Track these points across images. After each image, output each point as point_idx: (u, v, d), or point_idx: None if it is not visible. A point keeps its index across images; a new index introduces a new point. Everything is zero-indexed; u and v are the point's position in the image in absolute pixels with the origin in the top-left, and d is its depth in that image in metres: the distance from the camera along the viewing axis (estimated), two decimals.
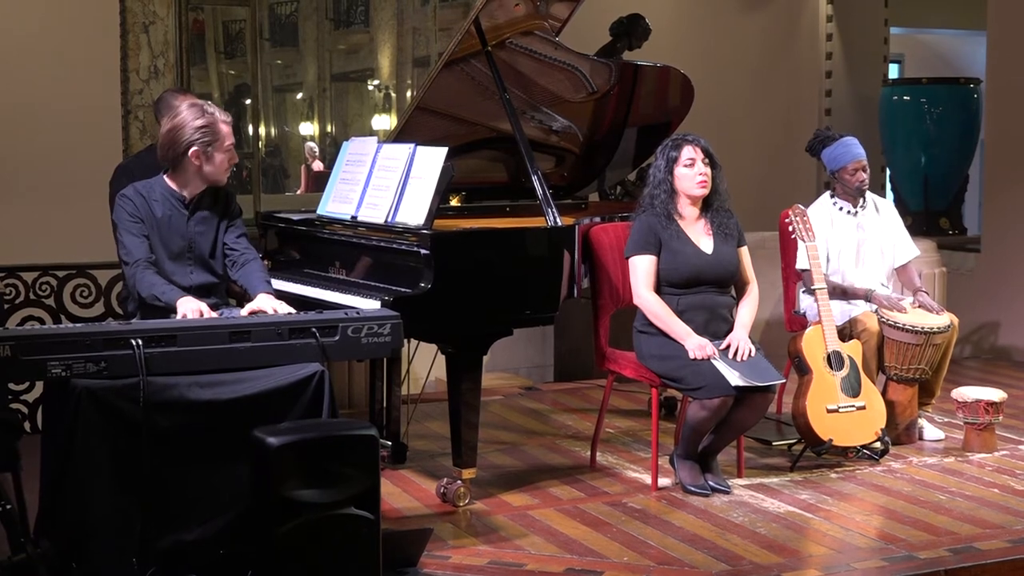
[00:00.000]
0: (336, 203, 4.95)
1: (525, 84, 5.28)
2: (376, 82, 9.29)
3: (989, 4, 7.80)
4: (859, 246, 5.42)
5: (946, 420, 5.69)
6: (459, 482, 4.56)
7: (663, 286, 4.69)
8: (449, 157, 4.57)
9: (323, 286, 4.71)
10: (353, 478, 3.44)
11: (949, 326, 5.26)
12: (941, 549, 4.09)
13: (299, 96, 9.41)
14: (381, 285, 4.54)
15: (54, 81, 6.65)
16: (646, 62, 5.60)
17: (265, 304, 4.02)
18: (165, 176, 4.22)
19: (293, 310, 4.01)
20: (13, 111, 6.56)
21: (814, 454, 5.02)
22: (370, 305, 4.27)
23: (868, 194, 5.50)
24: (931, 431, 5.51)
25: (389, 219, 4.64)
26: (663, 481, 4.81)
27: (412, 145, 4.72)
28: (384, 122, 9.03)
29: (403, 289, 4.41)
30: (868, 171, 5.43)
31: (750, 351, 4.58)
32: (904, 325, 5.19)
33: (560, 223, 4.71)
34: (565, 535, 4.25)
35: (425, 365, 5.32)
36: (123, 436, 3.47)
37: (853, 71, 9.18)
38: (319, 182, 8.21)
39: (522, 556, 4.05)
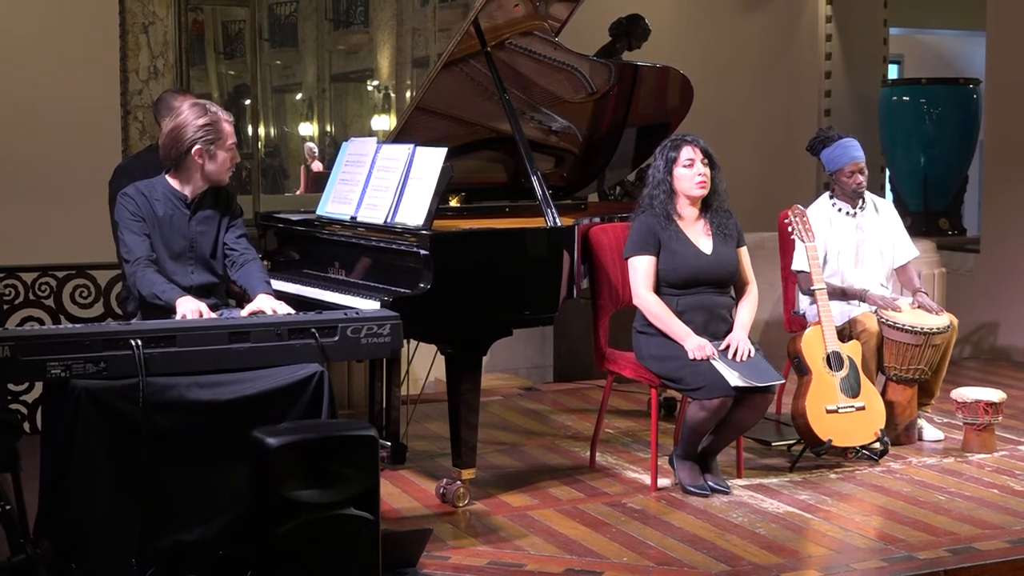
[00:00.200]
0: (335, 203, 4.95)
1: (524, 84, 5.28)
2: (375, 82, 9.29)
3: (988, 5, 7.80)
4: (858, 247, 5.42)
5: (945, 421, 5.69)
6: (458, 483, 4.56)
7: (662, 286, 4.69)
8: (448, 157, 4.57)
9: (322, 286, 4.71)
10: (352, 479, 3.44)
11: (948, 327, 5.26)
12: (940, 550, 4.09)
13: (298, 96, 9.41)
14: (380, 286, 4.54)
15: (54, 81, 6.65)
16: (645, 62, 5.60)
17: (264, 305, 4.02)
18: (167, 176, 4.22)
19: (292, 311, 4.01)
20: (13, 111, 6.56)
21: (813, 455, 5.02)
22: (369, 306, 4.27)
23: (867, 194, 5.50)
24: (930, 432, 5.51)
25: (388, 220, 4.64)
26: (663, 481, 4.81)
27: (411, 146, 4.72)
28: (383, 122, 9.03)
29: (402, 290, 4.41)
30: (866, 173, 5.43)
31: (749, 351, 4.59)
32: (903, 326, 5.19)
33: (559, 223, 4.71)
34: (565, 535, 4.25)
35: (424, 366, 5.32)
36: (123, 436, 3.47)
37: (852, 71, 9.19)
38: (318, 183, 8.21)
39: (522, 557, 4.05)
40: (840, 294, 5.30)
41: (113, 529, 3.49)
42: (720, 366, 4.49)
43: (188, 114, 4.13)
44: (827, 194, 5.54)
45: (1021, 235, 7.54)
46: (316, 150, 9.23)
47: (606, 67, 5.49)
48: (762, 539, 4.20)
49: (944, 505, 4.58)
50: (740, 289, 4.81)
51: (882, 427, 5.05)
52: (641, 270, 4.69)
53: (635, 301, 4.72)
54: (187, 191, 4.20)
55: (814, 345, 4.99)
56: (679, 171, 4.70)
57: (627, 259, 4.74)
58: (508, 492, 4.76)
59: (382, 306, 4.22)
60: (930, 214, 9.21)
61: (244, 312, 4.02)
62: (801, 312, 5.47)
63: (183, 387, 3.56)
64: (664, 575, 3.89)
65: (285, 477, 3.35)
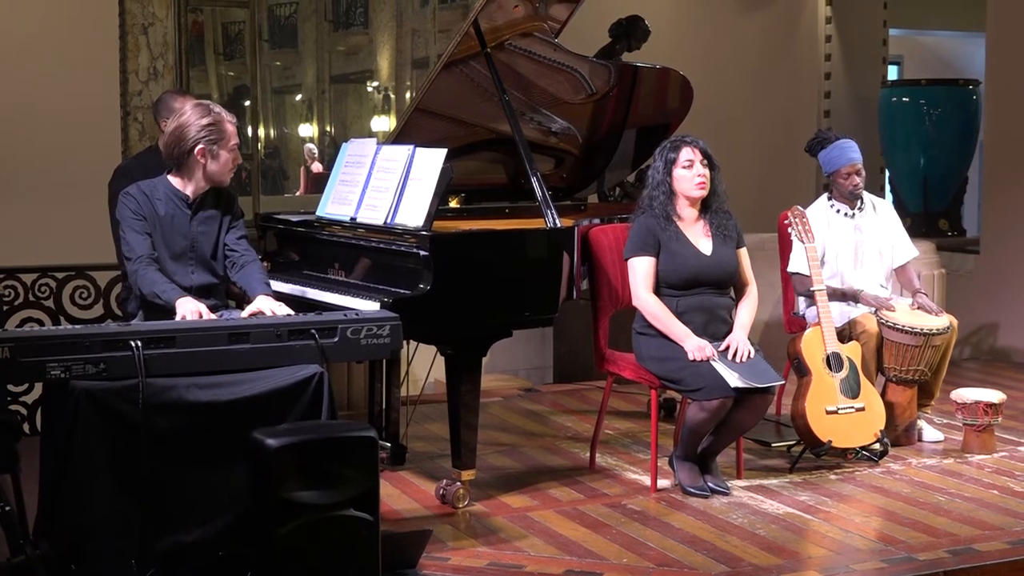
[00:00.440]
0: (335, 204, 4.95)
1: (524, 86, 5.28)
2: (375, 83, 9.29)
3: (988, 6, 7.81)
4: (857, 248, 5.42)
5: (945, 421, 5.69)
6: (458, 483, 4.56)
7: (662, 287, 4.69)
8: (448, 158, 4.57)
9: (322, 287, 4.71)
10: (352, 479, 3.44)
11: (948, 327, 5.26)
12: (940, 550, 4.09)
13: (298, 98, 9.40)
14: (380, 287, 4.54)
15: (54, 82, 6.64)
16: (645, 63, 5.60)
17: (264, 306, 4.02)
18: (169, 175, 4.23)
19: (292, 311, 4.01)
20: (13, 111, 6.55)
21: (813, 455, 5.02)
22: (369, 306, 4.27)
23: (866, 195, 5.49)
24: (930, 432, 5.51)
25: (388, 220, 4.64)
26: (662, 483, 4.81)
27: (411, 146, 4.72)
28: (383, 123, 9.02)
29: (402, 291, 4.41)
30: (863, 175, 5.42)
31: (749, 352, 4.59)
32: (903, 327, 5.19)
33: (559, 224, 4.71)
34: (564, 537, 4.25)
35: (424, 366, 5.32)
36: (122, 437, 3.47)
37: (852, 72, 9.19)
38: (318, 184, 8.21)
39: (521, 558, 4.05)
40: (840, 296, 5.29)
41: (113, 530, 3.49)
42: (720, 367, 4.49)
43: (191, 114, 4.14)
44: (825, 195, 5.54)
45: (1021, 236, 7.54)
46: (316, 151, 9.23)
47: (606, 68, 5.49)
48: (762, 540, 4.20)
49: (944, 506, 4.58)
50: (740, 290, 4.81)
51: (882, 428, 5.05)
52: (641, 271, 4.68)
53: (635, 302, 4.72)
54: (189, 191, 4.21)
55: (814, 346, 4.99)
56: (678, 172, 4.70)
57: (627, 260, 4.74)
58: (508, 493, 4.75)
59: (382, 307, 4.23)
60: (930, 215, 9.21)
61: (244, 313, 4.02)
62: (800, 313, 5.47)
63: (183, 388, 3.56)
64: None
65: (285, 478, 3.35)
